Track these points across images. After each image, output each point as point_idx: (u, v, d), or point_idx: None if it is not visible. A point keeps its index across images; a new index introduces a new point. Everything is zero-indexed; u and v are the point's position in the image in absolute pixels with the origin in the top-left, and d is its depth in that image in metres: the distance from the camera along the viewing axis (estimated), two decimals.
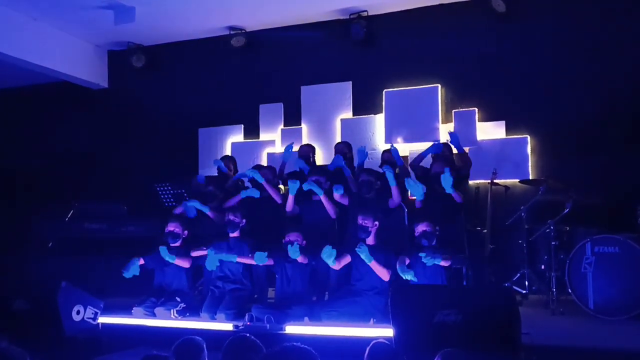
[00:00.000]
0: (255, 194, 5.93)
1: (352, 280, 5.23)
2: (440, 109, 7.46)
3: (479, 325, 3.88)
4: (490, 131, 7.25)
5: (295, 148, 6.87)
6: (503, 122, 7.20)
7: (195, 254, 5.69)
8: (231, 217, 5.67)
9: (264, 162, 8.02)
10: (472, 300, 4.14)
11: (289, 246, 5.17)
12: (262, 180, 5.96)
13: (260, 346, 3.06)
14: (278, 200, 6.01)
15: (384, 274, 5.09)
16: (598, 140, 6.63)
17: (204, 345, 3.21)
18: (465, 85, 7.39)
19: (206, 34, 8.49)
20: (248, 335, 3.15)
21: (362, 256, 5.00)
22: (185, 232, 5.82)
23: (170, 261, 5.56)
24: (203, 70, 8.65)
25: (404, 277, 5.00)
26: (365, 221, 5.25)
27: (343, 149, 6.64)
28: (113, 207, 7.31)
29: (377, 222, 5.25)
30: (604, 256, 5.17)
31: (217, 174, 6.95)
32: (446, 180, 5.32)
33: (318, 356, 2.40)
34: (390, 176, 5.53)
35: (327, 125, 7.98)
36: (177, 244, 5.79)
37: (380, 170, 6.27)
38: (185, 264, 5.66)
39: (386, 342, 3.65)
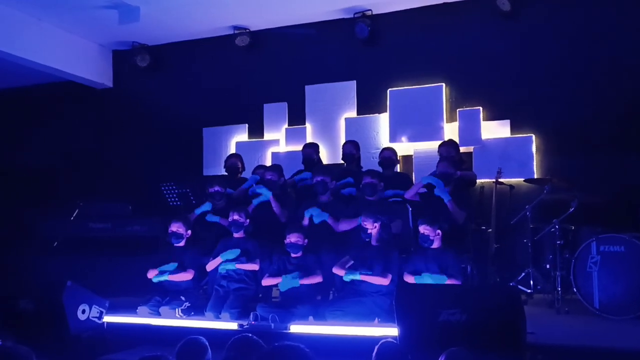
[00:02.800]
0: (267, 195, 5.94)
1: (355, 280, 5.20)
2: (445, 108, 7.44)
3: (483, 324, 3.87)
4: (494, 130, 7.23)
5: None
6: (508, 121, 7.18)
7: (210, 267, 5.69)
8: (236, 217, 5.66)
9: (268, 161, 8.03)
10: (477, 299, 4.13)
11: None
12: (269, 197, 5.95)
13: (263, 346, 3.07)
14: (282, 218, 5.93)
15: (381, 281, 5.05)
16: (603, 139, 6.61)
17: (208, 346, 3.22)
18: (470, 84, 7.37)
19: (210, 34, 8.49)
20: (251, 335, 3.16)
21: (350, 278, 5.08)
22: (189, 232, 5.82)
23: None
24: (207, 69, 8.66)
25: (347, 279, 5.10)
26: (365, 222, 5.24)
27: (351, 149, 6.62)
28: (118, 207, 7.33)
29: (377, 224, 5.21)
30: (610, 255, 5.15)
31: (225, 174, 6.94)
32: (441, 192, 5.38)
33: (311, 353, 2.40)
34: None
35: (331, 125, 7.97)
36: (181, 244, 5.80)
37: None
38: (187, 276, 5.67)
39: (394, 341, 3.66)
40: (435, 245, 5.10)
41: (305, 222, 5.68)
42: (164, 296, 5.55)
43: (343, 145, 6.83)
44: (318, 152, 7.01)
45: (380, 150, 6.65)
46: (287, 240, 5.35)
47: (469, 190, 6.39)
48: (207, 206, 6.14)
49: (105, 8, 7.67)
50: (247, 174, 6.99)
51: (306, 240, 5.38)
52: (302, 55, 8.19)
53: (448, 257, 5.04)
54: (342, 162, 6.77)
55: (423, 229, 5.09)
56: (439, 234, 5.08)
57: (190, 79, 8.77)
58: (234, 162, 6.81)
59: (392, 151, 6.52)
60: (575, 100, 6.83)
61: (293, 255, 5.39)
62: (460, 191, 5.90)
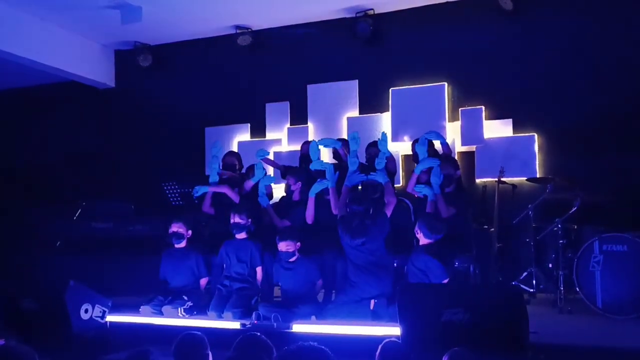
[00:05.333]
0: (265, 203, 5.96)
1: (356, 283, 5.16)
2: (447, 107, 7.44)
3: (486, 324, 3.87)
4: (497, 129, 7.22)
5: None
6: (510, 120, 7.18)
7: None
8: (237, 220, 5.63)
9: None
10: (480, 299, 4.13)
11: None
12: (266, 204, 5.95)
13: (270, 346, 3.07)
14: (278, 223, 5.86)
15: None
16: (606, 138, 6.61)
17: (206, 341, 3.21)
18: (472, 83, 7.37)
19: (212, 33, 8.51)
20: (259, 334, 3.16)
21: None
22: (189, 232, 5.82)
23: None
24: (209, 69, 8.66)
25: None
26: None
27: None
28: (120, 206, 7.34)
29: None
30: (612, 254, 5.14)
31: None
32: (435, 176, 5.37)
33: (334, 357, 2.40)
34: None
35: (333, 124, 7.97)
36: (181, 244, 5.81)
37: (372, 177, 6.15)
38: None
39: (397, 340, 3.65)
40: (421, 243, 5.09)
41: (311, 207, 5.64)
42: (167, 295, 5.55)
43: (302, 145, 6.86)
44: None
45: (367, 146, 6.46)
46: (279, 248, 5.35)
47: (465, 189, 6.38)
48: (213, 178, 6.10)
49: (107, 8, 7.68)
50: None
51: (298, 244, 5.35)
52: (304, 55, 8.19)
53: (431, 260, 4.96)
54: (335, 160, 6.74)
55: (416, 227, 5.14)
56: (417, 232, 5.07)
57: (192, 79, 8.78)
58: (231, 160, 6.75)
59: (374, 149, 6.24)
60: (578, 100, 6.82)
61: (289, 260, 5.38)
62: (461, 191, 5.90)
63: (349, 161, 5.64)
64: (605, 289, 5.12)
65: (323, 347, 2.43)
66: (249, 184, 6.11)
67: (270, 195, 6.28)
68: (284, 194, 6.46)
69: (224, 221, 5.81)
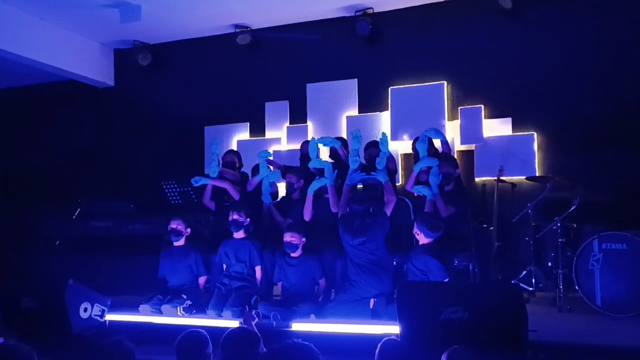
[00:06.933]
0: (268, 200, 5.96)
1: (356, 282, 5.18)
2: (446, 106, 7.44)
3: (485, 322, 3.88)
4: (496, 128, 7.22)
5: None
6: (509, 119, 7.18)
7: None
8: (235, 217, 5.63)
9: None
10: (479, 297, 4.13)
11: None
12: (268, 202, 5.96)
13: (258, 337, 3.07)
14: (281, 221, 5.87)
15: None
16: (605, 136, 6.60)
17: (209, 338, 3.21)
18: (472, 82, 7.36)
19: (212, 32, 8.50)
20: (245, 327, 3.17)
21: None
22: (188, 230, 5.82)
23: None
24: (209, 68, 8.66)
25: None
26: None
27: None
28: (120, 205, 7.32)
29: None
30: (612, 253, 5.15)
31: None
32: (433, 177, 5.38)
33: (319, 353, 2.41)
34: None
35: (333, 123, 7.97)
36: (180, 242, 5.81)
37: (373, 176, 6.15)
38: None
39: (397, 339, 3.66)
40: (421, 243, 5.09)
41: (309, 205, 5.63)
42: (166, 294, 5.56)
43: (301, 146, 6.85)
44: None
45: (366, 145, 6.36)
46: (284, 239, 5.36)
47: (464, 188, 6.37)
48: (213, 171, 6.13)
49: (106, 7, 7.68)
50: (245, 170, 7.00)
51: (304, 239, 5.35)
52: (304, 54, 8.19)
53: (431, 260, 4.97)
54: (331, 160, 6.72)
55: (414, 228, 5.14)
56: (417, 233, 5.07)
57: (191, 78, 8.78)
58: (231, 159, 6.73)
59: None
60: (577, 98, 6.82)
61: (292, 254, 5.38)
62: (460, 189, 5.90)
63: (350, 160, 5.64)
64: (604, 287, 5.13)
65: (308, 343, 2.44)
66: (254, 181, 6.13)
67: (275, 195, 6.28)
68: (284, 195, 6.47)
69: (224, 218, 5.82)
